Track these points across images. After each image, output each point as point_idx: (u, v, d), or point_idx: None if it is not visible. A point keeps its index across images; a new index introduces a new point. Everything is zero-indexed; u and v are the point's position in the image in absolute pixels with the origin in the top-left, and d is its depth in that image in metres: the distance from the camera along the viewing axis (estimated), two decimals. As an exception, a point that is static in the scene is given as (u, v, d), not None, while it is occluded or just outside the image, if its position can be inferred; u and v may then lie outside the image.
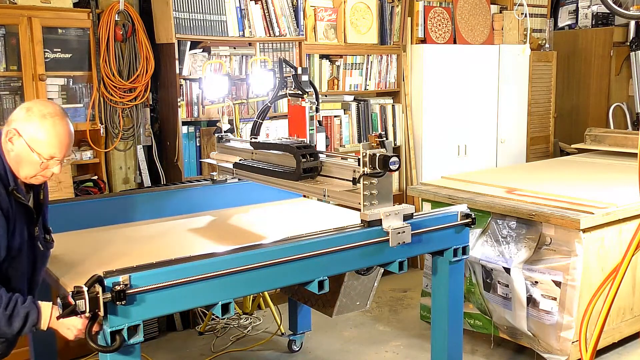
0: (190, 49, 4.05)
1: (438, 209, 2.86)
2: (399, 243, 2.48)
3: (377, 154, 2.38)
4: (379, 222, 2.47)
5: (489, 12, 5.46)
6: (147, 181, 4.22)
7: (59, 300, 1.89)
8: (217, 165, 3.49)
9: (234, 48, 4.24)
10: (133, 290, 1.94)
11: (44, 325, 2.00)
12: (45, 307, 2.00)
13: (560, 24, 6.51)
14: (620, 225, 3.39)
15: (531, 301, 3.38)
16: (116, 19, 3.89)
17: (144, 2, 4.16)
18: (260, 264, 2.22)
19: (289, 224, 3.10)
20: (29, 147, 2.00)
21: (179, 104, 4.01)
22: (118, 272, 1.96)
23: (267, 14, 4.32)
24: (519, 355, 3.66)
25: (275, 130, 4.35)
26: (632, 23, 5.91)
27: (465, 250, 2.81)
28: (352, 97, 4.95)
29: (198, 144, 4.18)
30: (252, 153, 3.17)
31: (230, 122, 3.89)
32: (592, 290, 3.08)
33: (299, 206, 3.47)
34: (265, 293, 4.04)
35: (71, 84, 3.82)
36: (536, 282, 3.36)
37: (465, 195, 3.73)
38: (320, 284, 2.36)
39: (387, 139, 3.58)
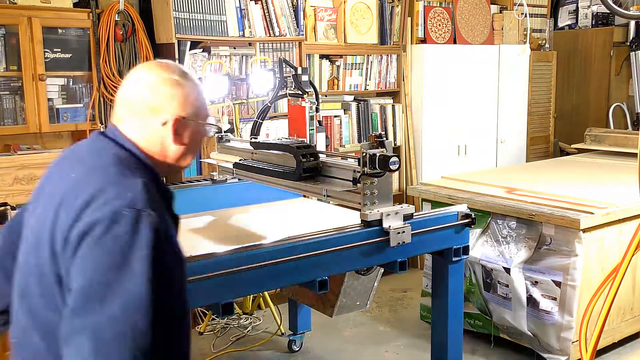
0: (190, 49, 4.05)
1: (438, 209, 2.86)
2: (399, 243, 2.48)
3: (377, 154, 2.38)
4: (379, 222, 2.47)
5: (489, 12, 5.45)
6: (147, 181, 4.21)
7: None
8: (217, 165, 3.48)
9: (234, 48, 4.24)
10: (133, 290, 1.94)
11: None
12: None
13: (560, 24, 6.50)
14: (620, 225, 3.39)
15: (531, 301, 3.38)
16: (116, 19, 3.89)
17: (144, 2, 4.16)
18: (260, 264, 2.21)
19: (289, 224, 3.10)
20: (199, 124, 1.51)
21: (179, 104, 4.00)
22: (118, 272, 1.95)
23: (267, 14, 4.32)
24: (519, 355, 3.66)
25: (275, 130, 4.35)
26: (632, 23, 5.90)
27: (465, 250, 2.81)
28: (352, 97, 4.95)
29: (198, 144, 4.17)
30: (252, 153, 3.16)
31: (230, 122, 3.89)
32: (592, 290, 3.09)
33: (299, 206, 3.47)
34: (265, 293, 4.04)
35: (71, 84, 3.81)
36: (536, 282, 3.35)
37: (465, 195, 3.73)
38: (320, 284, 2.36)
39: (387, 139, 3.57)
